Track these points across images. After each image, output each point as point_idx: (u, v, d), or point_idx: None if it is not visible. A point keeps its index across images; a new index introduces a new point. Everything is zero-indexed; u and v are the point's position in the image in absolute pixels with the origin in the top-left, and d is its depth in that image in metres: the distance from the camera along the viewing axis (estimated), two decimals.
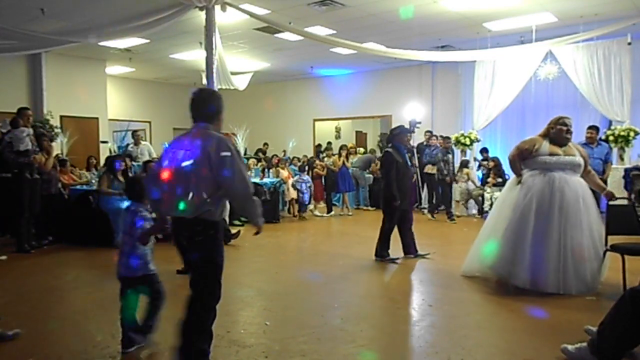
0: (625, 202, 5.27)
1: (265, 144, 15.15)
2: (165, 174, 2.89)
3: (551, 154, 4.66)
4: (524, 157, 4.82)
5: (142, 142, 10.85)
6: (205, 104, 2.99)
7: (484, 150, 10.46)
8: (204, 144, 2.80)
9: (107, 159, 7.67)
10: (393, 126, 6.90)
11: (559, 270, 4.39)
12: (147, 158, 10.22)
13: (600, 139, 8.43)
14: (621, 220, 4.58)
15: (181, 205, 2.80)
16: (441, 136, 10.67)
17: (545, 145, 4.72)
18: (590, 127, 7.74)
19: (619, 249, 4.36)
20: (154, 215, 3.26)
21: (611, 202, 4.63)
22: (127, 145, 11.15)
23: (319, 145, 14.90)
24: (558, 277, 4.39)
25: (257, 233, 2.97)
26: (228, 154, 2.78)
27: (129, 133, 10.76)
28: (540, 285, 4.40)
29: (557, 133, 4.73)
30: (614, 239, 4.53)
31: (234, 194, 2.85)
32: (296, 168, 11.49)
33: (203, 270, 2.87)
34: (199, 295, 2.86)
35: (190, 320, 2.84)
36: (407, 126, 7.09)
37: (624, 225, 4.58)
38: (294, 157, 12.16)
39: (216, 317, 2.90)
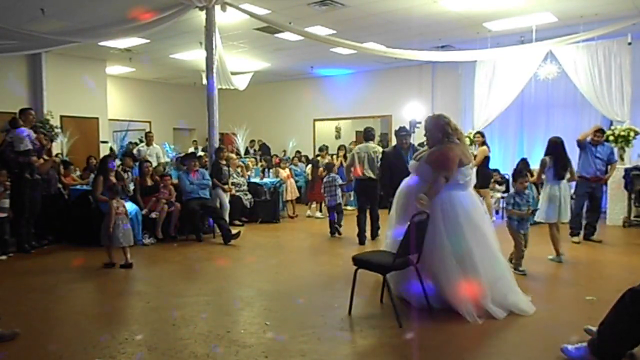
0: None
1: (252, 140, 14.44)
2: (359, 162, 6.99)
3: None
4: None
5: (155, 144, 10.78)
6: (369, 135, 7.19)
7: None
8: (374, 149, 7.00)
9: (102, 159, 7.50)
10: (395, 127, 7.21)
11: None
12: (155, 160, 10.13)
13: None
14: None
15: (369, 173, 6.89)
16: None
17: None
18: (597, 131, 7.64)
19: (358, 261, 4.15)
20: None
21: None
22: (130, 143, 11.06)
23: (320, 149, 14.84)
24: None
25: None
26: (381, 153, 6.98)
27: (129, 133, 10.68)
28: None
29: None
30: None
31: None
32: (296, 168, 11.49)
33: (376, 197, 6.97)
34: (376, 206, 6.98)
35: (374, 218, 7.00)
36: (407, 126, 7.26)
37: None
38: (294, 157, 12.14)
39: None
